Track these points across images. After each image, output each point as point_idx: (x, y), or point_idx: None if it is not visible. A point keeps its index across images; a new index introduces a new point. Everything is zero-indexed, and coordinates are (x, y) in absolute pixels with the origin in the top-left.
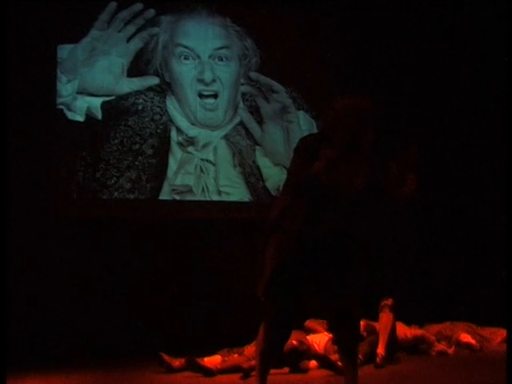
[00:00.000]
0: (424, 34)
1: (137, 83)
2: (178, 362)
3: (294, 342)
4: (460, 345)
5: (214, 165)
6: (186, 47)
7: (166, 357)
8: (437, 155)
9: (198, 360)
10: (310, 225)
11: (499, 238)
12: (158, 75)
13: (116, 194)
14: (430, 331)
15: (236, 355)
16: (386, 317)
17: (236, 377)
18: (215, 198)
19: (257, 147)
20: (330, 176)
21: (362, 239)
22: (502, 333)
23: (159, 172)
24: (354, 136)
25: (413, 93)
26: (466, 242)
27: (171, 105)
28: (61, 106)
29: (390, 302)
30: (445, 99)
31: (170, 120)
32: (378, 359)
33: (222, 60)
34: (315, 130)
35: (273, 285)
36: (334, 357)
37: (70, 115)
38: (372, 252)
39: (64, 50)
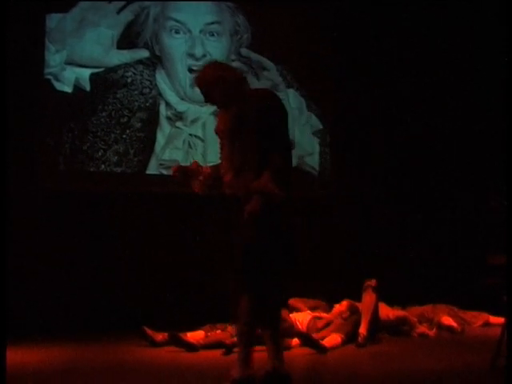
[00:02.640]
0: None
1: (126, 55)
2: (160, 337)
3: None
4: (441, 327)
5: (202, 140)
6: (177, 21)
7: (149, 331)
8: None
9: (181, 335)
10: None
11: (483, 222)
12: (148, 48)
13: (103, 166)
14: (412, 313)
15: (219, 331)
16: (369, 297)
17: (218, 352)
18: None
19: None
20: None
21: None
22: (482, 317)
23: (147, 146)
24: (203, 92)
25: (407, 81)
26: (450, 225)
27: (161, 79)
28: (48, 76)
29: (373, 282)
30: (443, 98)
31: (160, 94)
32: (359, 339)
33: (213, 35)
34: (305, 109)
35: None
36: (317, 335)
37: (57, 86)
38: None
39: (53, 19)
